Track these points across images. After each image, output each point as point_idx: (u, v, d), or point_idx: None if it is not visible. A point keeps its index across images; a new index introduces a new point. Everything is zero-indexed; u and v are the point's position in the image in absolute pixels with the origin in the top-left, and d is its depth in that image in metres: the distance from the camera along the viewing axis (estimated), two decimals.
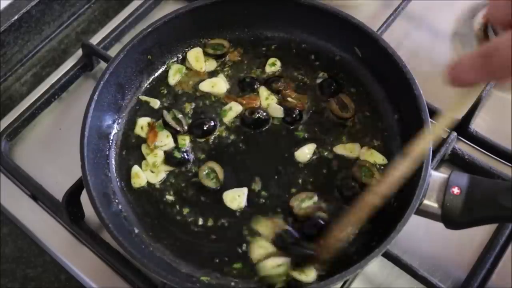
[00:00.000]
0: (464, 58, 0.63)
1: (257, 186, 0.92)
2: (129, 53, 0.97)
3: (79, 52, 1.13)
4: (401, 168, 0.76)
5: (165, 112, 0.97)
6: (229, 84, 1.02)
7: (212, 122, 0.98)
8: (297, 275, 0.81)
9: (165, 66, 1.04)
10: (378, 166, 0.92)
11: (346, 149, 0.95)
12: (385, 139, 0.96)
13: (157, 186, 0.93)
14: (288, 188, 0.92)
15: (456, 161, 0.99)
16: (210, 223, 0.90)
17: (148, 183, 0.94)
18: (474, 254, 0.92)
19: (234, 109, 0.99)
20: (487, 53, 0.61)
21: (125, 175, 0.94)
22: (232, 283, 0.85)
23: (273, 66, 1.03)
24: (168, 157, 0.94)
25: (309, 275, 0.81)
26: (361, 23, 0.98)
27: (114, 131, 0.97)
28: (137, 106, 1.00)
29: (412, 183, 0.83)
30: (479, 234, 0.93)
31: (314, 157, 0.94)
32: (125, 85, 0.99)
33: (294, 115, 0.98)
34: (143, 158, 0.95)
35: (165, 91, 1.02)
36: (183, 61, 1.04)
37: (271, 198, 0.91)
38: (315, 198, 0.89)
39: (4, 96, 1.12)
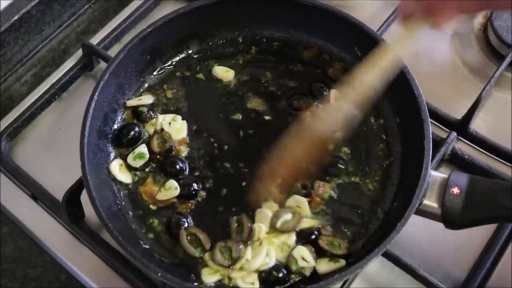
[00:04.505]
0: None
1: None
2: (129, 53, 0.97)
3: (79, 52, 1.13)
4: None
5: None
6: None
7: None
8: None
9: (166, 65, 1.04)
10: None
11: None
12: (385, 139, 0.96)
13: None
14: None
15: (456, 161, 0.99)
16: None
17: None
18: (474, 254, 0.92)
19: None
20: None
21: None
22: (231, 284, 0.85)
23: None
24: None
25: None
26: (361, 23, 0.98)
27: (115, 131, 0.97)
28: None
29: (412, 183, 0.83)
30: (479, 234, 0.93)
31: None
32: (125, 85, 0.99)
33: None
34: None
35: (162, 92, 1.02)
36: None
37: None
38: None
39: (4, 96, 1.12)
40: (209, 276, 0.84)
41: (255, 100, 1.01)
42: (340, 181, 0.92)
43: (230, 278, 0.84)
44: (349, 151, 0.95)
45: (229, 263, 0.84)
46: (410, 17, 0.75)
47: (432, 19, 0.72)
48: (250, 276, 0.83)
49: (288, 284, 0.84)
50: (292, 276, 0.84)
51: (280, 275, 0.84)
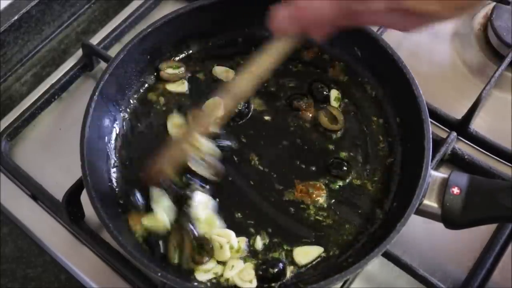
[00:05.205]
0: (282, 9, 0.74)
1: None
2: (129, 53, 0.97)
3: (79, 52, 1.13)
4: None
5: None
6: None
7: None
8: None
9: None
10: None
11: None
12: (385, 139, 0.96)
13: None
14: None
15: (456, 161, 0.99)
16: None
17: None
18: (474, 254, 0.92)
19: None
20: (300, 7, 0.71)
21: None
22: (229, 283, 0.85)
23: None
24: None
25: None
26: None
27: (115, 131, 0.97)
28: (138, 106, 1.00)
29: (412, 183, 0.83)
30: (479, 234, 0.93)
31: None
32: (125, 85, 0.99)
33: None
34: None
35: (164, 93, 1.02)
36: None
37: None
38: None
39: (4, 96, 1.12)
40: (203, 275, 0.84)
41: (255, 100, 1.01)
42: (340, 183, 0.92)
43: (227, 278, 0.84)
44: (349, 152, 0.95)
45: (208, 257, 0.84)
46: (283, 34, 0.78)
47: (306, 34, 0.74)
48: (247, 274, 0.84)
49: (285, 279, 0.84)
50: (289, 272, 0.85)
51: (276, 270, 0.84)
